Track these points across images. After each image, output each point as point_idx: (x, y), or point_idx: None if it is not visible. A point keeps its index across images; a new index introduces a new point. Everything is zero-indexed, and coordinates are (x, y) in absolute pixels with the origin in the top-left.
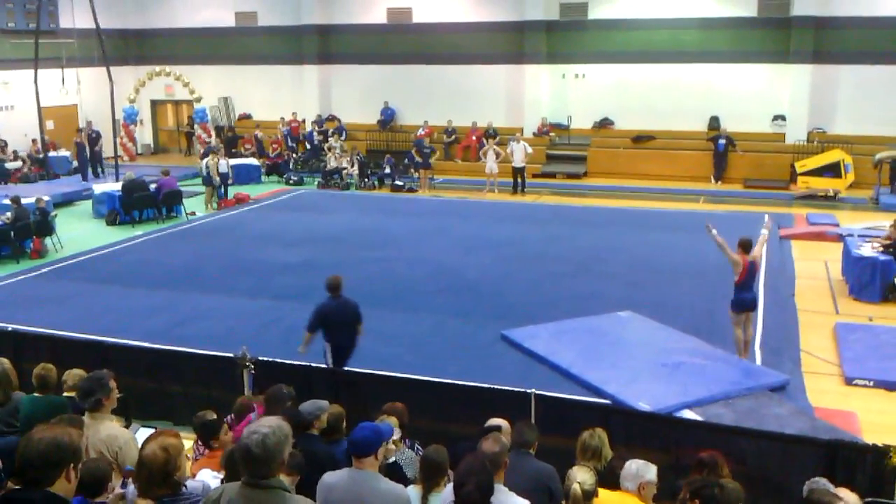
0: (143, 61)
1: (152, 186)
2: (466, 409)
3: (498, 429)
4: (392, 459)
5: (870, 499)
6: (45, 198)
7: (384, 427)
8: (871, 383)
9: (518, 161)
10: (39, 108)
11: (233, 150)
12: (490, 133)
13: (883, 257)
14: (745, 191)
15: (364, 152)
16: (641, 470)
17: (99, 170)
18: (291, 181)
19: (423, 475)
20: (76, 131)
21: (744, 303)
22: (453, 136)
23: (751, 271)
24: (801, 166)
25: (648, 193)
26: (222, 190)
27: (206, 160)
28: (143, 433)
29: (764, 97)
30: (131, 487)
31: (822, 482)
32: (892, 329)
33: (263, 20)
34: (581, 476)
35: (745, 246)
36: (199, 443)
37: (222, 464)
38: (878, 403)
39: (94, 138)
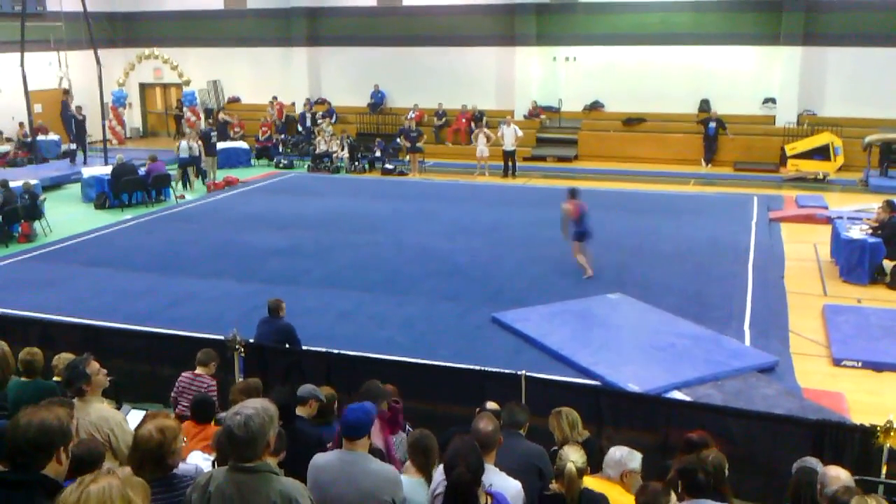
0: (132, 44)
1: (141, 170)
2: (457, 390)
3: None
4: None
5: (857, 477)
6: (33, 181)
7: (372, 407)
8: (859, 364)
9: (508, 144)
10: (27, 92)
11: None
12: (477, 116)
13: (871, 239)
14: (735, 173)
15: (354, 135)
16: (625, 458)
17: (80, 153)
18: (281, 164)
19: (418, 461)
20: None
21: (581, 234)
22: (443, 120)
23: (582, 210)
24: (790, 149)
25: (639, 176)
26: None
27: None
28: (135, 415)
29: (754, 80)
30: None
31: (812, 461)
32: (880, 311)
33: (252, 2)
34: (574, 455)
35: (574, 193)
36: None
37: (213, 446)
38: (866, 384)
39: (80, 122)
